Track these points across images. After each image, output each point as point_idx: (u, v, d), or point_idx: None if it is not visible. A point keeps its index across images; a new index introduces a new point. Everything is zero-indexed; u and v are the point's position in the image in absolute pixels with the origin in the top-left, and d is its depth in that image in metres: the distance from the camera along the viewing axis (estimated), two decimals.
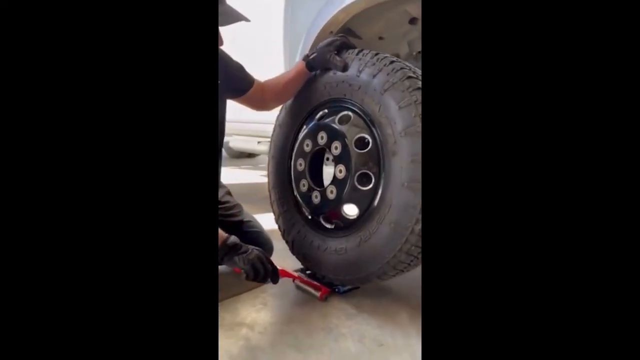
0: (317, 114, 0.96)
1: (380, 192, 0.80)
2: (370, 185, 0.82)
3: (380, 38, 1.26)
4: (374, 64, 0.82)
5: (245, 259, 0.77)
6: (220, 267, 1.00)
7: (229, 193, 1.10)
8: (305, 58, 0.94)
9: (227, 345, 0.69)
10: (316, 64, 0.92)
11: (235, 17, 0.83)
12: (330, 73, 0.90)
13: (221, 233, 0.80)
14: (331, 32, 1.14)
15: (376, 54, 0.84)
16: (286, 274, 0.90)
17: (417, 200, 0.71)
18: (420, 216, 0.72)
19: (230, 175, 2.79)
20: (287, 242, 1.00)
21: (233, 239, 0.80)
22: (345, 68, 0.86)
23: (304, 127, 0.98)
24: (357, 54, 0.87)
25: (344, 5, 1.05)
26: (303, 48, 1.23)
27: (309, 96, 0.96)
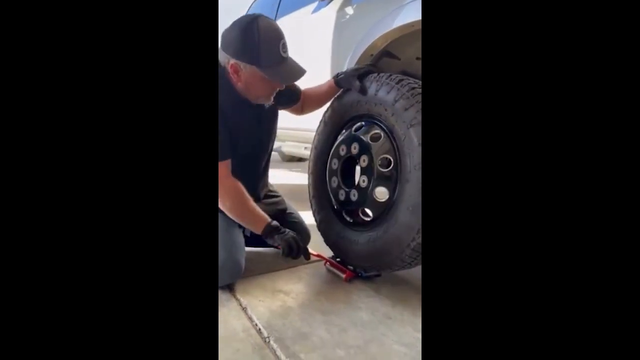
0: (355, 123, 1.09)
1: (391, 208, 0.94)
2: (385, 199, 0.96)
3: (418, 58, 1.39)
4: (408, 98, 0.90)
5: (282, 238, 0.97)
6: (264, 248, 1.22)
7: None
8: (335, 77, 1.13)
9: (268, 304, 0.89)
10: (342, 83, 1.12)
11: (298, 73, 0.97)
12: (372, 93, 1.00)
13: (266, 217, 1.00)
14: (371, 54, 1.31)
15: (413, 88, 0.91)
16: (320, 257, 1.10)
17: (417, 223, 0.85)
18: (416, 235, 0.86)
19: (282, 176, 3.08)
20: (315, 220, 1.20)
21: (275, 222, 1.00)
22: (364, 91, 1.01)
23: (344, 130, 1.13)
24: (397, 82, 0.95)
25: (381, 33, 1.22)
26: (347, 68, 1.41)
27: (352, 106, 1.09)
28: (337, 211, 1.13)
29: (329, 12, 1.57)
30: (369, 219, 1.04)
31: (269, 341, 0.74)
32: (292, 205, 1.29)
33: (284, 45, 0.94)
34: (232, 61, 0.94)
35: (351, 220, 1.09)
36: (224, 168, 0.96)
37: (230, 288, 0.97)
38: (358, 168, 1.06)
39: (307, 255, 1.01)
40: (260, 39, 0.90)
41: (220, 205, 0.97)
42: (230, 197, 0.96)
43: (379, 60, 1.35)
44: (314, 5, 1.73)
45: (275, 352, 0.71)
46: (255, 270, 1.08)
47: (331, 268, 1.11)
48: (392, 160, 0.95)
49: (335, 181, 1.12)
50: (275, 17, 2.17)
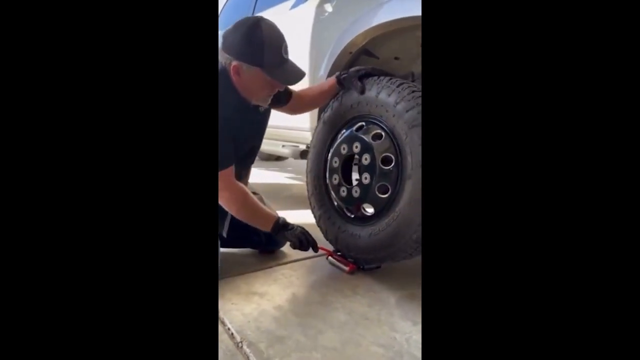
0: (356, 123, 1.11)
1: (393, 203, 0.98)
2: (387, 195, 1.00)
3: (396, 58, 1.39)
4: (409, 100, 0.94)
5: (292, 234, 1.04)
6: (238, 248, 1.19)
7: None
8: (338, 76, 1.14)
9: (242, 307, 0.86)
10: (344, 83, 1.13)
11: (299, 74, 0.98)
12: (373, 95, 1.03)
13: (274, 214, 1.05)
14: (350, 52, 1.30)
15: (414, 91, 0.96)
16: (324, 250, 1.12)
17: (418, 217, 0.89)
18: (417, 228, 0.89)
19: (258, 175, 3.01)
20: (314, 215, 1.22)
21: (283, 219, 1.05)
22: (363, 92, 1.05)
23: (344, 130, 1.14)
24: (398, 86, 0.99)
25: (361, 30, 1.21)
26: (326, 65, 1.39)
27: (352, 106, 1.11)
28: (337, 207, 1.16)
29: (308, 9, 1.55)
30: (369, 214, 1.07)
31: (241, 346, 0.71)
32: (269, 204, 1.26)
33: (286, 48, 0.95)
34: (234, 62, 0.94)
35: (352, 216, 1.12)
36: (230, 174, 0.97)
37: None
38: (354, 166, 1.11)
39: (316, 247, 1.07)
40: (265, 41, 0.91)
41: (228, 209, 1.00)
42: (239, 201, 1.00)
43: (357, 59, 1.34)
44: (293, 1, 1.70)
45: (248, 357, 0.68)
46: (229, 272, 1.04)
47: (334, 261, 1.12)
48: (393, 158, 0.99)
49: (336, 178, 1.15)
50: (253, 12, 2.12)
